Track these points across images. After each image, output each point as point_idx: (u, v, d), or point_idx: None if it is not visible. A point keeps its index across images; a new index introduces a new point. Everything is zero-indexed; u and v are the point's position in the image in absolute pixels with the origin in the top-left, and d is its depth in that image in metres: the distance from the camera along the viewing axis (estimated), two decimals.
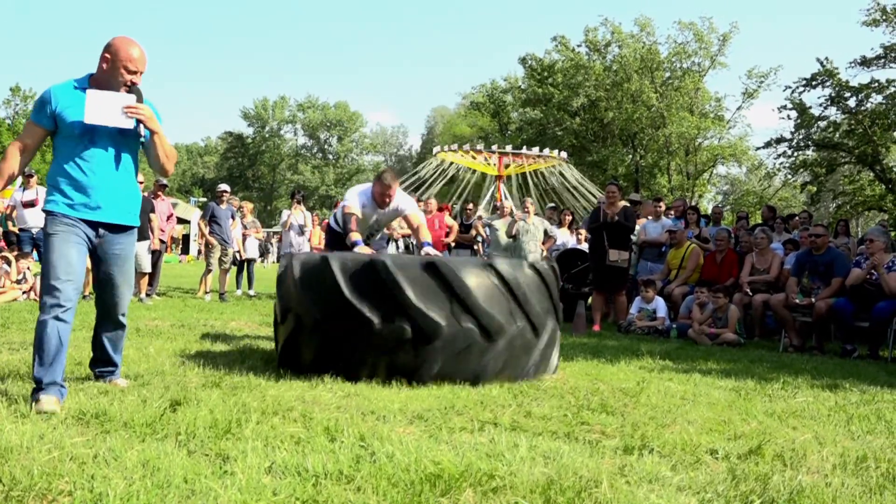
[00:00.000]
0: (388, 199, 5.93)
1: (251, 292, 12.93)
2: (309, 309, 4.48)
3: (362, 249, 5.35)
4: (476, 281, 4.34)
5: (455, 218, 13.40)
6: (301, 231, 11.24)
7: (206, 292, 11.19)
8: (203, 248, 11.79)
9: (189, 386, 3.96)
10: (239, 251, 12.28)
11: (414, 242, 11.59)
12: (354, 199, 5.93)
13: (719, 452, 2.97)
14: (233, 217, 11.68)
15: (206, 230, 11.18)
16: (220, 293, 11.20)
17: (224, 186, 11.74)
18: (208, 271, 11.21)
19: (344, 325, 4.34)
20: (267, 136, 67.71)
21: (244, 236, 13.11)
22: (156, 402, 3.47)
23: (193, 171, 71.64)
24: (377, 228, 6.39)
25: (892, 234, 29.39)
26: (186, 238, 40.72)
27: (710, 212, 12.96)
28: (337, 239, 6.15)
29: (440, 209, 12.43)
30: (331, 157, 68.26)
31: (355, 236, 5.58)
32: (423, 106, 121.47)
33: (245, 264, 13.19)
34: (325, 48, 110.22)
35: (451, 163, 33.97)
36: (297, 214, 11.29)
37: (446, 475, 2.46)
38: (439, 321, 4.22)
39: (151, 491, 2.25)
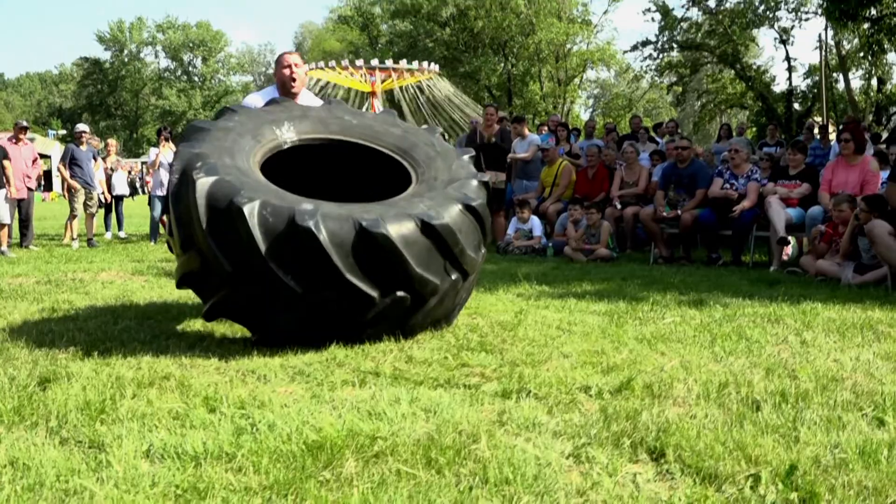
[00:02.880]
0: (293, 75, 4.89)
1: (121, 234, 12.48)
2: (218, 259, 3.64)
3: None
4: (409, 240, 3.65)
5: None
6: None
7: (73, 238, 10.72)
8: (66, 193, 11.21)
9: (59, 358, 3.80)
10: (104, 192, 11.75)
11: None
12: (256, 100, 4.92)
13: (592, 389, 3.08)
14: (95, 158, 11.14)
15: (67, 174, 10.63)
16: (88, 238, 10.75)
17: (82, 126, 11.15)
18: (73, 216, 10.71)
19: (260, 288, 3.67)
20: (126, 60, 64.20)
21: (109, 174, 12.57)
22: (23, 381, 3.33)
23: (49, 100, 67.59)
24: None
25: (751, 133, 30.76)
26: (48, 174, 38.52)
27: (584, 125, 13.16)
28: None
29: None
30: (196, 79, 65.55)
31: None
32: (291, 21, 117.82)
33: (114, 204, 12.66)
34: None
35: (322, 80, 33.24)
36: (165, 152, 10.84)
37: (328, 444, 2.47)
38: (372, 294, 3.65)
39: (22, 496, 2.17)
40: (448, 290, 3.96)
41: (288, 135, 4.42)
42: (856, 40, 23.43)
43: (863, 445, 2.36)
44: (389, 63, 32.23)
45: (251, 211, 3.52)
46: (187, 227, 3.78)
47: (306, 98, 5.03)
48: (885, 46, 13.84)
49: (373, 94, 32.15)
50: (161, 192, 10.67)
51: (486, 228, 4.18)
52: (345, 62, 33.26)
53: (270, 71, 74.39)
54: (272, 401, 2.99)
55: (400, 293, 3.73)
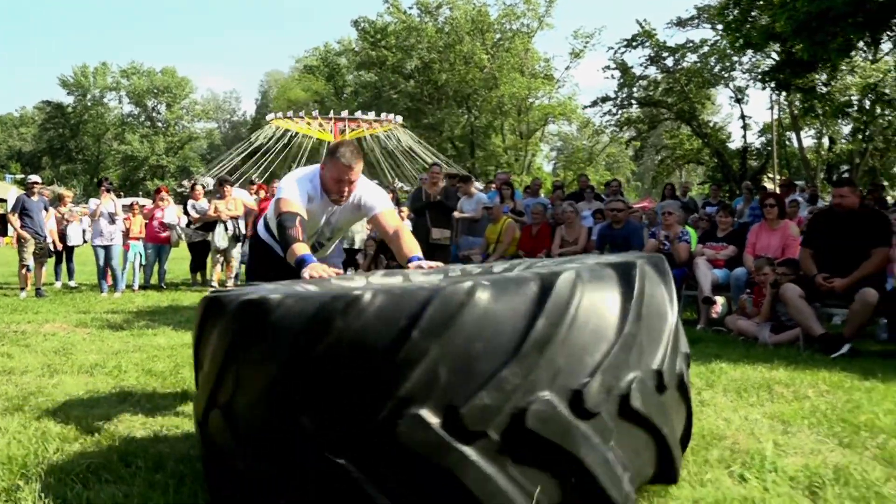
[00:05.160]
0: (347, 189, 3.77)
1: (72, 283, 12.54)
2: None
3: (315, 271, 3.25)
4: None
5: None
6: (112, 220, 10.91)
7: (22, 288, 10.75)
8: (15, 243, 11.28)
9: None
10: (54, 242, 11.83)
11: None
12: (293, 189, 3.73)
13: None
14: (46, 208, 11.25)
15: (18, 224, 10.72)
16: (37, 288, 10.82)
17: (34, 178, 11.31)
18: (23, 266, 10.77)
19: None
20: (89, 104, 64.02)
21: (63, 224, 12.65)
22: None
23: (9, 143, 67.08)
24: (330, 235, 4.18)
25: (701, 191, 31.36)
26: (3, 218, 38.00)
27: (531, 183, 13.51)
28: (266, 255, 4.14)
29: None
30: (160, 125, 65.59)
31: (300, 249, 3.40)
32: (257, 70, 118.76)
33: (65, 254, 12.73)
34: (149, 13, 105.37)
35: (287, 129, 33.65)
36: (106, 202, 10.96)
37: None
38: None
39: None
40: None
41: None
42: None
43: (720, 500, 2.59)
44: (352, 114, 32.82)
45: None
46: None
47: (365, 188, 3.92)
48: (818, 112, 14.47)
49: None
50: (100, 242, 10.85)
51: None
52: (310, 112, 33.83)
53: (235, 118, 74.95)
54: (191, 455, 3.15)
55: None
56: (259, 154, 34.08)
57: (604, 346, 2.28)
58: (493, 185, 12.07)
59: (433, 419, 2.07)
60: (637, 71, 33.66)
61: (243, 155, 34.81)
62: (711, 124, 35.93)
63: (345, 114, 33.01)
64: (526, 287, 2.24)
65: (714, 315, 7.74)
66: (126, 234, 11.49)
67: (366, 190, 3.91)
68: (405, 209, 10.47)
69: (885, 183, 28.94)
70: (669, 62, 32.87)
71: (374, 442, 2.11)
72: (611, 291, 2.39)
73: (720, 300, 7.91)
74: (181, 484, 2.81)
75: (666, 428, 2.42)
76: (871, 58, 11.80)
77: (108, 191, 11.23)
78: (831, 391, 4.43)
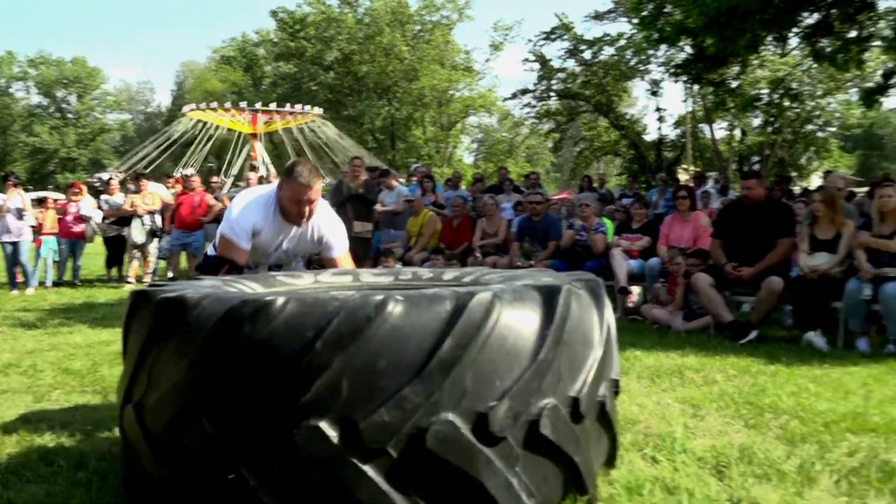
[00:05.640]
0: (308, 209, 3.59)
1: None
2: None
3: None
4: None
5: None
6: (19, 215, 10.58)
7: None
8: None
9: None
10: None
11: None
12: (242, 222, 3.60)
13: None
14: None
15: None
16: None
17: None
18: None
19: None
20: None
21: None
22: None
23: None
24: (287, 260, 4.05)
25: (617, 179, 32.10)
26: None
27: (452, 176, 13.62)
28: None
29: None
30: (70, 116, 63.52)
31: None
32: (172, 60, 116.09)
33: None
34: (59, 1, 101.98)
35: (204, 121, 33.02)
36: (13, 198, 10.63)
37: None
38: None
39: None
40: None
41: None
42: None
43: (632, 481, 2.72)
44: (270, 105, 32.40)
45: None
46: None
47: (325, 218, 3.85)
48: (730, 106, 14.99)
49: (254, 135, 32.15)
50: (7, 238, 10.50)
51: None
52: (227, 104, 33.27)
53: (150, 110, 73.06)
54: (113, 453, 3.14)
55: None
56: (176, 146, 33.36)
57: (516, 370, 2.24)
58: (414, 178, 12.13)
59: (332, 432, 2.08)
60: (556, 63, 34.12)
61: (160, 148, 34.05)
62: (628, 116, 36.64)
63: (263, 105, 32.55)
64: (439, 305, 2.20)
65: (630, 304, 7.98)
66: (38, 230, 11.17)
67: (327, 224, 3.82)
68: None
69: (794, 174, 30.09)
70: (587, 55, 33.41)
71: (272, 450, 2.13)
72: (531, 315, 2.33)
73: (636, 290, 8.16)
74: (104, 482, 2.81)
75: (579, 456, 2.39)
76: (779, 52, 12.30)
77: (14, 185, 10.88)
78: (739, 375, 4.66)
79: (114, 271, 12.17)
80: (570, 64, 34.18)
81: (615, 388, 2.74)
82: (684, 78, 12.30)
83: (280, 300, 2.16)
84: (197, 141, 32.96)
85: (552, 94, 35.52)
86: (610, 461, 2.82)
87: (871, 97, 12.21)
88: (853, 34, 11.25)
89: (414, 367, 2.12)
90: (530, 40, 34.18)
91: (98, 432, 3.48)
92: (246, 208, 3.64)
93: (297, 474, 2.12)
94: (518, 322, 2.29)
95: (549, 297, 2.39)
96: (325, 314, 2.13)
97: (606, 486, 2.68)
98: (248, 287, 2.97)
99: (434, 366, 2.11)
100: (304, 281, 3.28)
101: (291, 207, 3.57)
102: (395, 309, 2.15)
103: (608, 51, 32.80)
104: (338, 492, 2.11)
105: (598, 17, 33.44)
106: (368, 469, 2.09)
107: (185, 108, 33.00)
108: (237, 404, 2.17)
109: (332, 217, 3.90)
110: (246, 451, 2.15)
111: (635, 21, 25.49)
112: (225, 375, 2.19)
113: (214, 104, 32.04)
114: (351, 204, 9.24)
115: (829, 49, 11.28)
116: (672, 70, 13.47)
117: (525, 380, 2.23)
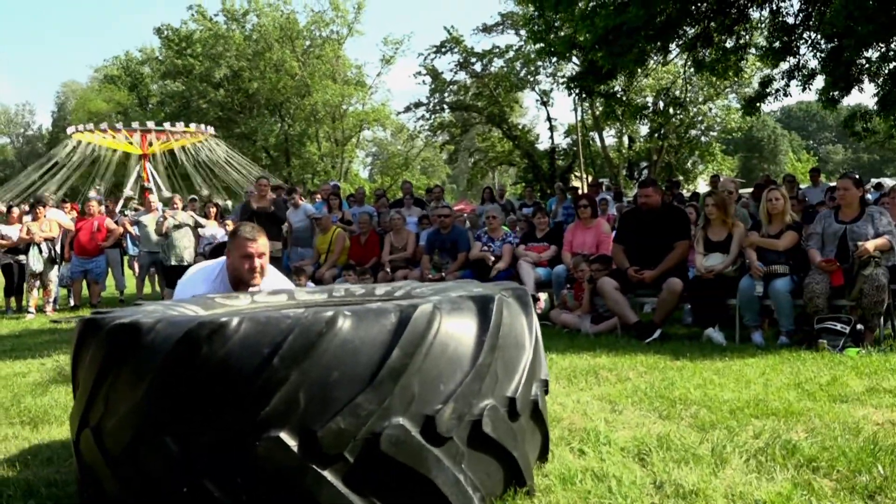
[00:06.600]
0: (259, 266, 3.65)
1: None
2: None
3: None
4: None
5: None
6: None
7: None
8: None
9: None
10: None
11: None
12: (185, 292, 3.61)
13: None
14: None
15: None
16: None
17: None
18: None
19: None
20: None
21: None
22: None
23: None
24: None
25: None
26: None
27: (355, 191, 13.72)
28: None
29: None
30: None
31: None
32: (52, 81, 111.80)
33: None
34: None
35: (90, 143, 32.01)
36: None
37: None
38: None
39: None
40: None
41: None
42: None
43: (564, 472, 2.94)
44: (159, 125, 31.64)
45: None
46: None
47: (275, 280, 3.86)
48: (619, 115, 15.63)
49: (144, 156, 31.38)
50: None
51: None
52: (114, 124, 32.32)
53: (30, 132, 70.21)
54: (60, 479, 3.16)
55: None
56: (59, 170, 32.18)
57: (458, 375, 2.43)
58: (319, 196, 12.20)
59: (292, 442, 2.23)
60: (447, 76, 34.69)
61: (41, 172, 32.79)
62: (520, 127, 37.46)
63: (152, 125, 31.75)
64: (385, 318, 2.37)
65: (538, 311, 8.27)
66: None
67: (277, 282, 3.83)
68: (229, 222, 10.39)
69: (681, 177, 31.39)
70: (478, 67, 34.14)
71: (236, 463, 2.25)
72: (468, 323, 2.53)
73: (543, 296, 8.48)
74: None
75: (517, 452, 2.61)
76: (662, 61, 12.97)
77: None
78: (649, 372, 4.97)
79: (12, 301, 11.75)
80: (462, 76, 34.85)
81: (545, 387, 2.97)
82: (576, 90, 12.77)
83: (235, 320, 2.28)
84: (83, 163, 31.90)
85: (445, 106, 36.07)
86: (543, 455, 3.06)
87: (751, 105, 12.97)
88: (731, 44, 11.95)
89: (365, 376, 2.29)
90: (421, 54, 34.60)
91: (38, 461, 3.48)
92: (192, 278, 3.73)
93: (260, 484, 2.25)
94: (458, 330, 2.50)
95: (483, 306, 2.61)
96: (280, 331, 2.28)
97: (542, 478, 2.89)
98: (190, 310, 3.06)
99: (384, 374, 2.29)
100: (242, 302, 3.39)
101: (242, 265, 3.61)
102: (344, 324, 2.32)
103: (498, 62, 33.63)
104: (299, 498, 2.25)
105: (487, 29, 34.21)
106: (328, 474, 2.25)
107: (70, 130, 31.86)
108: (199, 422, 2.28)
109: (283, 280, 3.96)
110: (210, 465, 2.26)
111: (523, 32, 26.26)
112: (186, 395, 2.30)
113: (104, 125, 31.11)
114: (259, 222, 9.23)
115: (708, 59, 11.93)
116: (564, 83, 13.94)
117: (467, 383, 2.44)
